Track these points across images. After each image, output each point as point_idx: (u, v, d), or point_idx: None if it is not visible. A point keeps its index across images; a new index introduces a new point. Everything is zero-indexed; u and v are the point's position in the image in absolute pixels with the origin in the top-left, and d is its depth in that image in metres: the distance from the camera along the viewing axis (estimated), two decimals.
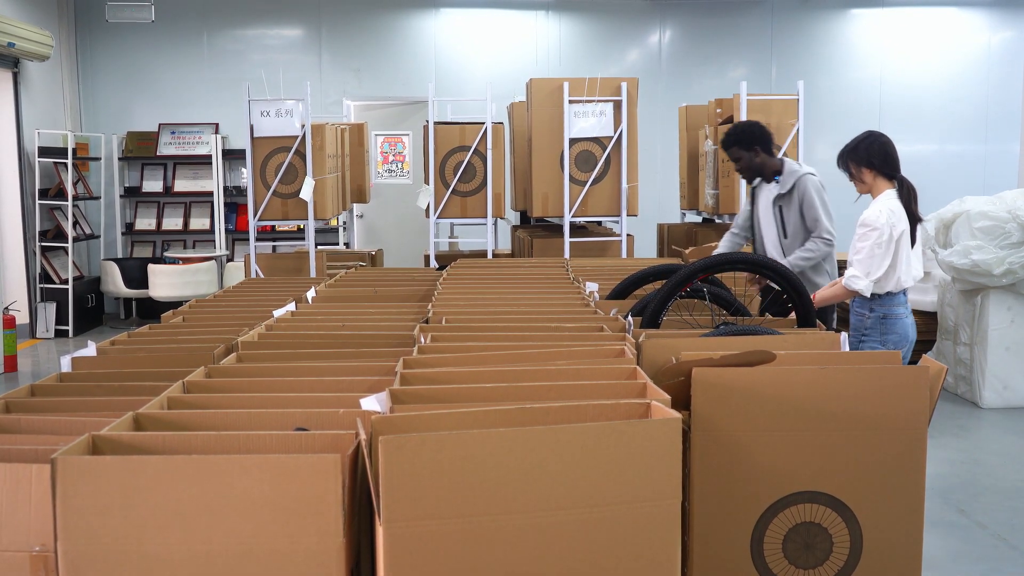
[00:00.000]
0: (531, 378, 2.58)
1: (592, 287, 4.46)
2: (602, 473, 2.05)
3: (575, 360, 2.79)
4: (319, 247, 9.54)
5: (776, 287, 3.46)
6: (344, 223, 9.42)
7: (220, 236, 9.15)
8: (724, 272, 3.49)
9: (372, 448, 1.96)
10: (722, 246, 5.11)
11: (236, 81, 8.47)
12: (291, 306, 4.13)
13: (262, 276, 5.93)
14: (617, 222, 6.27)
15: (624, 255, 6.20)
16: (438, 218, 6.16)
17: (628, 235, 6.30)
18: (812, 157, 10.30)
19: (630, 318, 3.51)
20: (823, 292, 4.08)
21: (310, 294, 4.46)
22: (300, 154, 5.85)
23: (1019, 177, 7.08)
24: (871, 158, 4.08)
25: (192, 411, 2.36)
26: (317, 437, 2.13)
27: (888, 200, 3.97)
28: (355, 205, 9.71)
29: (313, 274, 5.87)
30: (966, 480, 4.59)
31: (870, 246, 3.93)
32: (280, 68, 9.66)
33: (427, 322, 3.59)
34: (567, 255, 6.10)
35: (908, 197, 3.97)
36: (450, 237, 7.63)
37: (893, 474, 2.68)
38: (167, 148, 9.50)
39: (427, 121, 6.12)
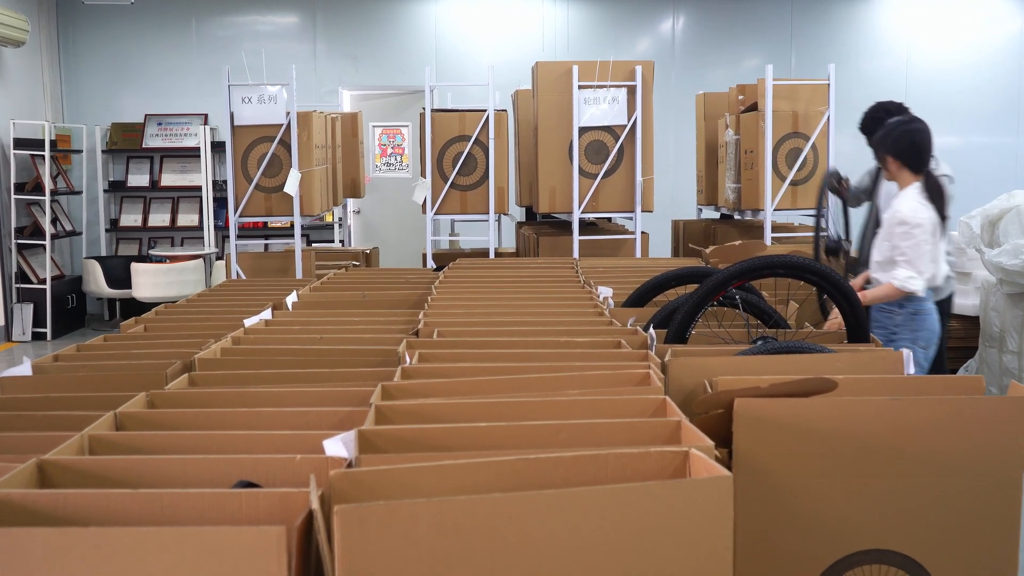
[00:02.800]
0: (536, 414, 2.10)
1: (606, 292, 3.97)
2: (629, 550, 1.60)
3: (589, 388, 2.31)
4: (314, 245, 9.08)
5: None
6: (340, 220, 8.94)
7: (209, 233, 8.67)
8: (763, 277, 2.99)
9: (327, 517, 1.50)
10: None
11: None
12: (267, 313, 3.69)
13: (244, 277, 5.45)
14: (631, 219, 5.77)
15: (638, 254, 5.70)
16: (436, 214, 5.67)
17: (643, 233, 5.80)
18: (836, 148, 9.80)
19: (652, 331, 3.03)
20: (873, 293, 3.60)
21: (290, 299, 4.02)
22: (285, 144, 5.36)
23: None
24: (897, 146, 3.66)
25: (112, 458, 1.91)
26: (262, 498, 1.67)
27: (918, 194, 3.59)
28: (350, 201, 9.24)
29: (299, 275, 5.40)
30: None
31: (916, 244, 3.59)
32: (273, 55, 9.16)
33: (416, 335, 3.12)
34: (576, 254, 5.61)
35: (934, 194, 3.60)
36: (451, 235, 7.13)
37: (980, 529, 2.21)
38: (153, 140, 9.03)
39: (423, 109, 5.62)
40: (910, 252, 3.56)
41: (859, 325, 2.95)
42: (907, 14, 9.74)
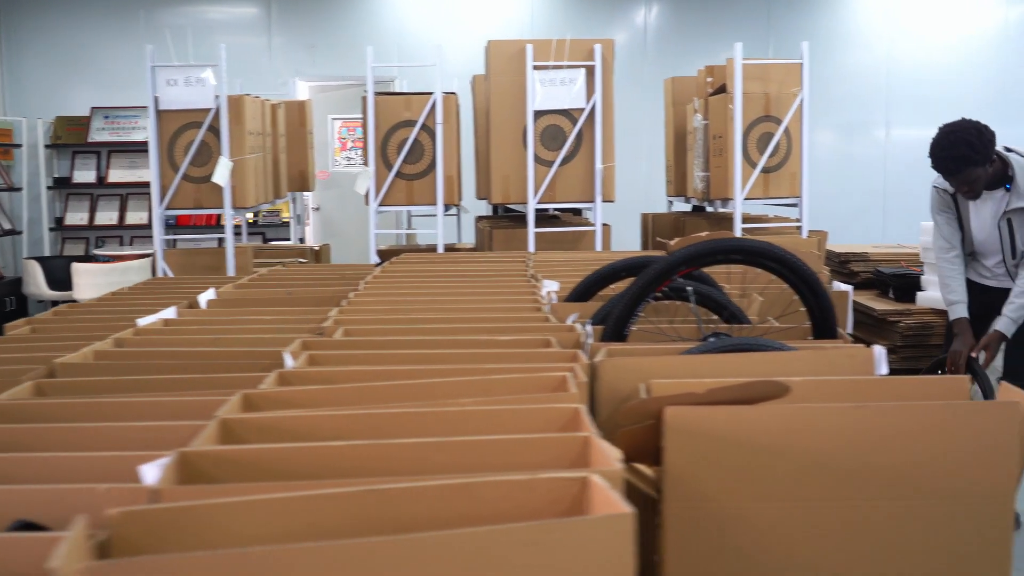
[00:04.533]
0: (418, 429, 1.71)
1: (551, 287, 3.59)
2: None
3: (494, 396, 1.91)
4: (272, 243, 8.67)
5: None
6: (298, 216, 8.53)
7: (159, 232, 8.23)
8: (713, 264, 2.61)
9: None
10: (944, 275, 3.75)
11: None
12: (169, 312, 3.30)
13: (171, 275, 5.05)
14: (594, 209, 5.38)
15: (599, 248, 5.31)
16: (380, 205, 5.26)
17: (604, 225, 5.41)
18: (814, 139, 9.45)
19: (590, 327, 2.64)
20: None
21: (205, 297, 3.63)
22: (214, 130, 4.95)
23: None
24: None
25: None
26: (20, 544, 1.28)
27: None
28: (310, 197, 8.83)
29: (231, 272, 4.99)
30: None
31: None
32: (227, 44, 8.75)
33: (321, 334, 2.72)
34: (531, 248, 5.22)
35: None
36: (407, 229, 6.73)
37: (963, 560, 1.83)
38: (100, 134, 8.60)
39: (365, 92, 5.21)
40: None
41: (826, 319, 2.57)
42: (888, 5, 9.40)
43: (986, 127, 3.40)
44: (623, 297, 2.54)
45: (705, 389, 1.79)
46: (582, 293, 3.20)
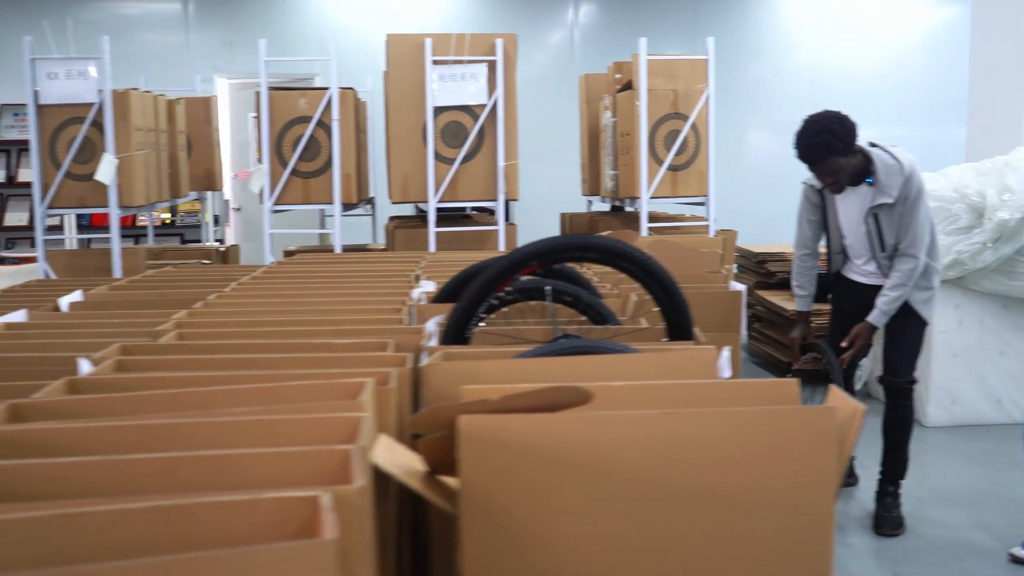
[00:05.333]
0: (177, 441, 1.55)
1: (427, 287, 3.46)
2: None
3: (285, 403, 1.77)
4: (188, 244, 8.44)
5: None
6: (216, 216, 8.33)
7: (72, 231, 7.98)
8: (559, 262, 2.49)
9: None
10: (797, 276, 3.80)
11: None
12: (19, 315, 3.14)
13: (54, 277, 4.83)
14: (497, 208, 5.24)
15: (502, 247, 5.18)
16: (275, 204, 5.08)
17: (510, 224, 5.28)
18: (750, 145, 9.41)
19: (435, 328, 2.52)
20: None
21: (68, 300, 3.46)
22: (99, 126, 4.74)
23: (968, 158, 6.17)
24: None
25: None
26: None
27: None
28: (230, 198, 8.62)
29: (118, 274, 4.78)
30: (905, 533, 3.63)
31: None
32: (141, 42, 8.51)
33: (157, 338, 2.57)
34: (432, 248, 5.07)
35: None
36: (321, 229, 6.54)
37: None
38: (9, 132, 8.33)
39: (259, 87, 5.03)
40: None
41: (680, 320, 2.46)
42: (814, 7, 9.39)
43: (848, 117, 3.35)
44: (462, 298, 2.40)
45: (499, 397, 1.66)
46: (448, 294, 3.06)
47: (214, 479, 1.41)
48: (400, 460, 1.79)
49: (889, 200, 3.38)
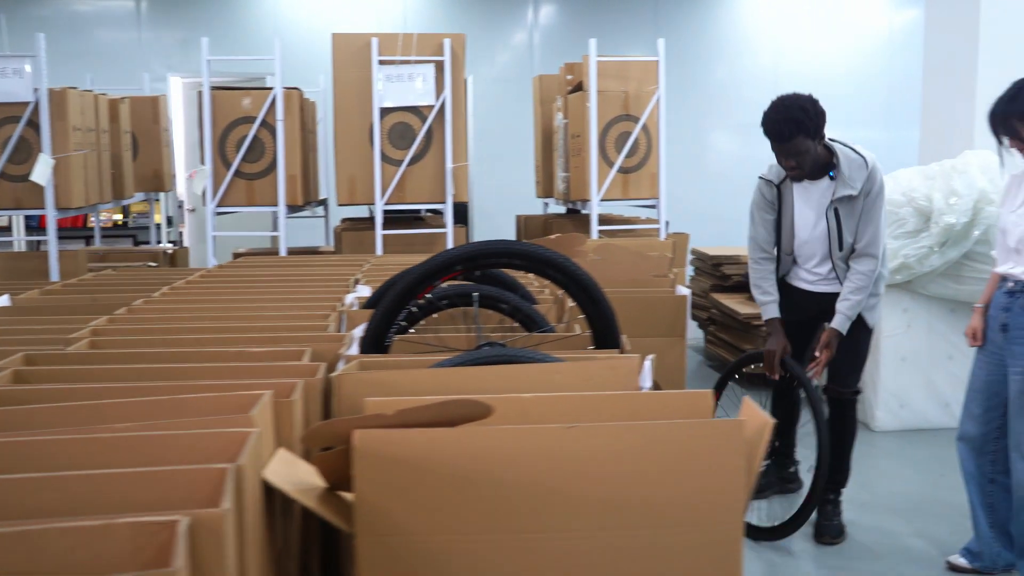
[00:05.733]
0: (54, 459, 1.49)
1: (363, 292, 3.39)
2: None
3: (173, 420, 1.69)
4: (143, 246, 8.29)
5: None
6: (169, 217, 8.20)
7: (19, 233, 7.82)
8: (481, 268, 2.43)
9: None
10: (759, 281, 3.61)
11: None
12: None
13: None
14: (444, 210, 5.17)
15: None
16: (218, 206, 4.99)
17: (461, 226, 5.21)
18: (711, 147, 9.39)
19: (357, 336, 2.46)
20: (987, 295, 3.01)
21: None
22: (34, 125, 4.62)
23: (920, 162, 6.17)
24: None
25: None
26: None
27: None
28: (184, 199, 8.49)
29: (55, 277, 4.66)
30: (850, 533, 3.60)
31: None
32: (94, 40, 8.36)
33: (69, 346, 2.48)
34: (379, 251, 5.00)
35: None
36: (272, 231, 6.42)
37: None
38: None
39: (202, 86, 4.93)
40: None
41: (607, 328, 2.40)
42: (774, 10, 9.39)
43: (819, 102, 3.29)
44: (380, 305, 2.34)
45: (394, 411, 1.60)
46: (378, 300, 2.99)
47: (80, 502, 1.33)
48: (298, 476, 1.72)
49: (852, 192, 3.30)
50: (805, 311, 3.55)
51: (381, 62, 4.85)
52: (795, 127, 3.24)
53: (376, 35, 4.87)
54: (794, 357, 3.54)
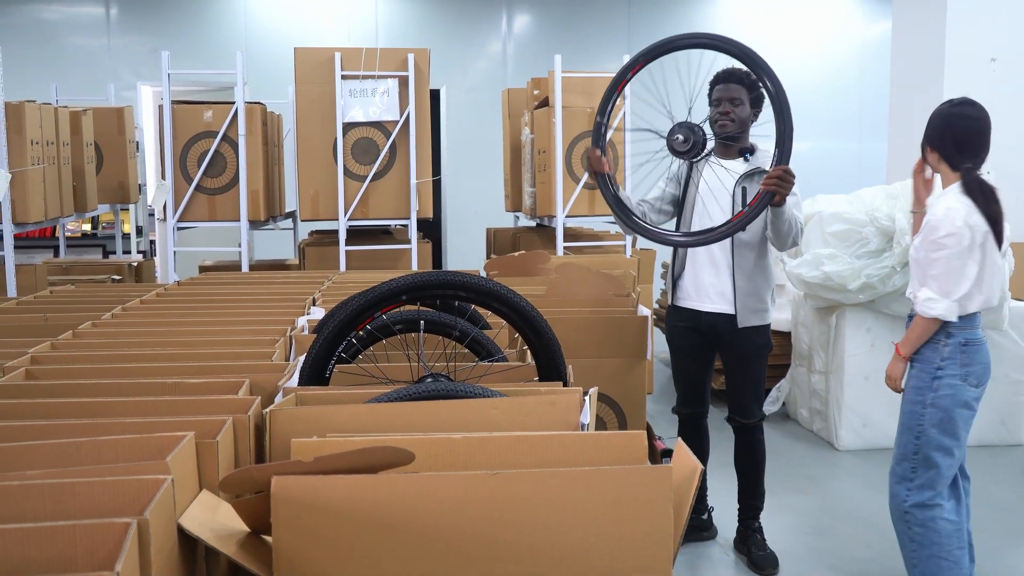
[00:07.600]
0: None
1: (316, 315, 3.35)
2: None
3: (85, 466, 1.65)
4: (111, 257, 8.21)
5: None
6: (140, 228, 8.12)
7: None
8: (425, 299, 2.39)
9: None
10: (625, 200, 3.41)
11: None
12: None
13: None
14: (409, 226, 5.13)
15: (415, 266, 5.07)
16: (179, 221, 4.94)
17: (426, 241, 5.18)
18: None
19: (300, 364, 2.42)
20: (911, 336, 2.96)
21: None
22: None
23: (888, 176, 6.20)
24: (942, 136, 3.03)
25: None
26: None
27: (955, 197, 2.92)
28: (154, 210, 8.40)
29: (12, 293, 4.60)
30: (808, 559, 3.59)
31: (946, 258, 2.88)
32: (63, 47, 8.28)
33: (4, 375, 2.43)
34: (343, 267, 4.95)
35: (978, 193, 2.92)
36: (238, 246, 6.37)
37: None
38: None
39: (162, 100, 4.88)
40: (936, 267, 2.90)
41: (550, 360, 2.37)
42: (746, 23, 9.41)
43: None
44: (320, 334, 2.30)
45: (313, 458, 1.56)
46: (323, 325, 2.95)
47: None
48: (219, 521, 1.68)
49: (766, 167, 3.31)
50: (702, 333, 3.49)
51: (344, 77, 4.81)
52: (744, 77, 3.41)
53: (339, 49, 4.83)
54: (699, 384, 3.53)
